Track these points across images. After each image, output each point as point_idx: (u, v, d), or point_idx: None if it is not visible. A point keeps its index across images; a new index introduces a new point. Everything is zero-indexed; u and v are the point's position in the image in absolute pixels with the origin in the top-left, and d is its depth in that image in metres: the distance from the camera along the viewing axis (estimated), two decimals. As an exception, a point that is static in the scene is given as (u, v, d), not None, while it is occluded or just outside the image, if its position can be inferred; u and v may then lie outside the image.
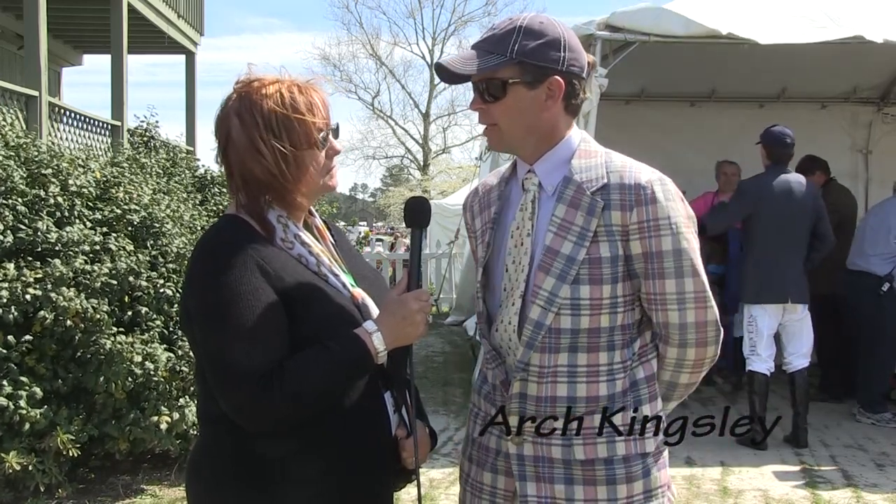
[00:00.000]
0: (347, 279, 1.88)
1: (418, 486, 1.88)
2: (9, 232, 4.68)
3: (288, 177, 1.78)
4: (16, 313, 4.34)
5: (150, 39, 13.05)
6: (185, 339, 4.62)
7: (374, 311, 1.85)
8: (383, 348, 1.76)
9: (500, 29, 1.82)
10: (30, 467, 4.19)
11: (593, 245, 1.79)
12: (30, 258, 4.66)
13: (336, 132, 1.87)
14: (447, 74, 1.83)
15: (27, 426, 4.23)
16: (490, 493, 1.93)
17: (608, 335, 1.82)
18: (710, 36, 5.35)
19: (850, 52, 5.97)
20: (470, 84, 1.87)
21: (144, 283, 4.89)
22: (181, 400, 4.75)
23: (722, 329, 1.89)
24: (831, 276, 6.62)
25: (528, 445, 1.86)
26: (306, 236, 1.85)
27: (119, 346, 4.49)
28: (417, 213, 1.91)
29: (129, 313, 4.90)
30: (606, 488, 1.81)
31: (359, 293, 1.87)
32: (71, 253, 4.71)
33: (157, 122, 10.04)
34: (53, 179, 5.14)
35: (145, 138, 9.73)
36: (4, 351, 4.31)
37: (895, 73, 8.05)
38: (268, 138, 1.75)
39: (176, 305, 4.93)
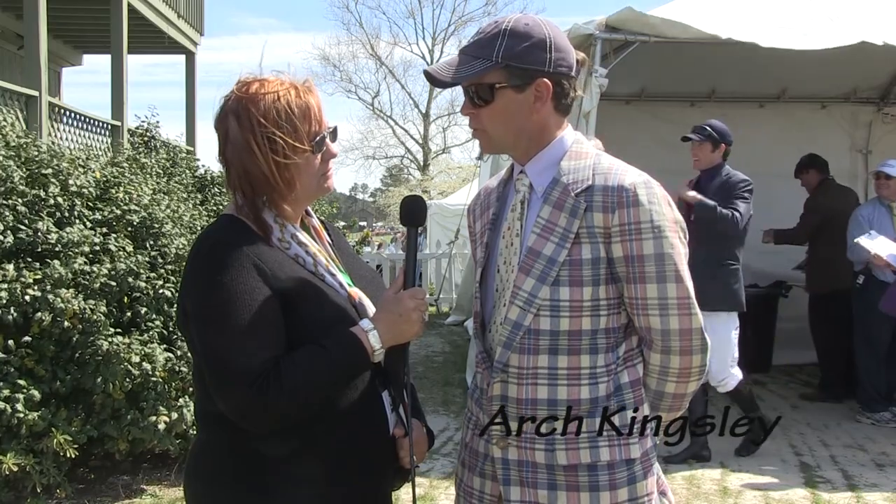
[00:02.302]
0: (344, 279, 1.88)
1: (413, 485, 1.89)
2: (9, 232, 4.67)
3: (282, 180, 1.78)
4: (15, 315, 4.34)
5: (150, 39, 13.04)
6: (183, 339, 4.62)
7: (371, 310, 1.85)
8: (379, 346, 1.75)
9: (485, 33, 1.81)
10: (27, 468, 4.19)
11: (574, 246, 1.78)
12: (29, 259, 4.66)
13: (333, 135, 1.87)
14: (436, 81, 1.82)
15: (24, 429, 4.23)
16: (479, 497, 1.93)
17: (590, 338, 1.80)
18: (710, 40, 5.36)
19: (850, 52, 5.95)
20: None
21: (143, 284, 4.89)
22: (180, 400, 4.75)
23: (708, 339, 1.85)
24: (830, 275, 6.64)
25: (512, 450, 1.85)
26: (303, 236, 1.86)
27: (116, 346, 4.49)
28: (413, 212, 1.91)
29: (129, 314, 4.90)
30: (589, 495, 1.80)
31: (356, 292, 1.87)
32: (70, 254, 4.71)
33: (157, 122, 10.04)
34: (53, 180, 5.14)
35: (145, 138, 9.73)
36: (4, 355, 4.31)
37: (895, 74, 8.05)
38: (262, 142, 1.76)
39: (175, 306, 4.93)
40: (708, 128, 5.36)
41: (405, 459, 1.86)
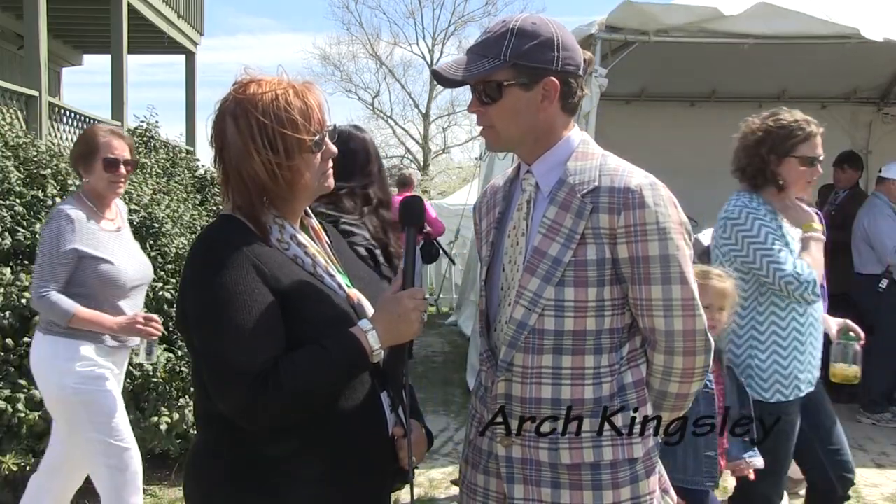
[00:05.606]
0: (343, 280, 1.88)
1: (411, 486, 1.89)
2: (6, 234, 4.67)
3: (281, 182, 1.78)
4: (10, 318, 4.32)
5: (150, 39, 13.04)
6: (183, 339, 4.61)
7: (370, 311, 1.85)
8: (378, 347, 1.75)
9: (493, 32, 1.82)
10: (27, 468, 4.18)
11: (580, 247, 1.79)
12: (27, 262, 4.65)
13: (333, 133, 1.87)
14: (444, 79, 1.83)
15: (24, 429, 4.22)
16: (483, 494, 1.94)
17: (594, 338, 1.81)
18: (711, 30, 5.33)
19: (850, 52, 5.95)
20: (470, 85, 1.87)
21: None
22: (181, 400, 4.74)
23: (712, 339, 1.86)
24: (836, 276, 6.63)
25: (516, 448, 1.86)
26: (302, 237, 1.85)
27: (116, 346, 4.47)
28: (412, 212, 1.91)
29: (128, 314, 4.88)
30: (592, 493, 1.81)
31: (354, 293, 1.87)
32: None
33: (157, 122, 10.02)
34: (52, 180, 5.13)
35: (145, 138, 9.72)
36: (2, 353, 4.30)
37: (895, 74, 8.05)
38: (262, 143, 1.75)
39: (175, 306, 4.91)
40: None
41: (404, 460, 1.86)
